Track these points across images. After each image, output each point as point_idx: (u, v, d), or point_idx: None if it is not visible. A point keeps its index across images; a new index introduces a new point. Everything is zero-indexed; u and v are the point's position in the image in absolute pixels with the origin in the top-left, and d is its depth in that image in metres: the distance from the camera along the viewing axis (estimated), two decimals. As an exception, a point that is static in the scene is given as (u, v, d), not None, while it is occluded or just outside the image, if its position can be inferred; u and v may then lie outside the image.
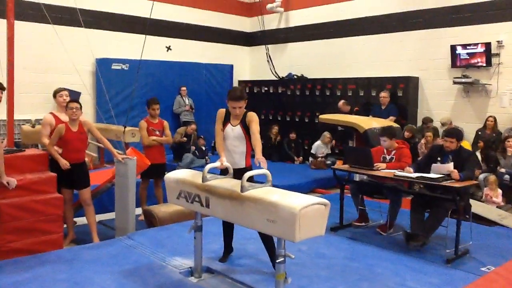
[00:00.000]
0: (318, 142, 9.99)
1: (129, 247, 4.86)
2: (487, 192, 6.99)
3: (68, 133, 5.14)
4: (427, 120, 9.07)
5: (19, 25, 6.44)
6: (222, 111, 4.37)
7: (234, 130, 4.26)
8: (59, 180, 5.06)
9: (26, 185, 4.73)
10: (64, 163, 5.09)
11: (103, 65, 9.93)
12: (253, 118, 4.23)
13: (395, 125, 8.01)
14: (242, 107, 4.22)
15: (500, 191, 6.96)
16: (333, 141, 10.11)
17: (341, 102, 9.77)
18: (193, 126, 10.16)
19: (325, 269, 4.42)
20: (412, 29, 9.85)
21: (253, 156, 4.05)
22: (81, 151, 5.32)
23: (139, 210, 6.09)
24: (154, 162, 6.15)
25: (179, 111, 11.17)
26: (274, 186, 3.69)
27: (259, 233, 4.21)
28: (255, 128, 4.17)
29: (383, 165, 5.53)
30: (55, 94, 5.65)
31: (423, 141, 8.19)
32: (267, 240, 4.22)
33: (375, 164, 5.50)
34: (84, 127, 5.27)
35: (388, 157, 5.74)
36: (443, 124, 8.87)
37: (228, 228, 4.58)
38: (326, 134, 9.93)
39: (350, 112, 9.58)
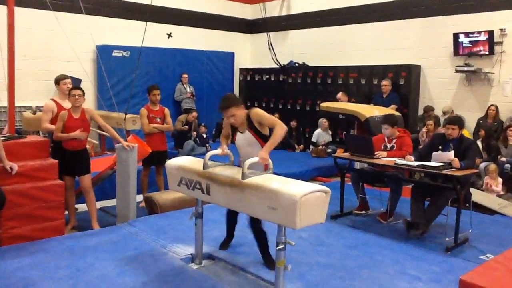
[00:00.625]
0: (318, 130, 10.00)
1: (130, 234, 4.89)
2: (487, 181, 6.99)
3: (70, 120, 5.14)
4: (429, 109, 9.05)
5: (19, 11, 6.42)
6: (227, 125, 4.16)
7: (245, 137, 4.01)
8: (60, 167, 5.07)
9: (28, 171, 4.74)
10: (80, 134, 5.14)
11: (103, 52, 9.89)
12: (259, 116, 3.90)
13: (397, 113, 8.00)
14: (236, 114, 3.91)
15: (500, 180, 6.96)
16: (338, 132, 10.07)
17: (340, 93, 9.78)
18: (194, 114, 10.16)
19: (325, 256, 4.45)
20: (415, 16, 9.78)
21: None
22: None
23: (140, 197, 6.12)
24: (156, 150, 6.16)
25: (180, 98, 11.15)
26: (275, 174, 3.70)
27: (251, 226, 4.14)
28: (269, 122, 3.87)
29: (384, 153, 5.53)
30: (58, 81, 5.63)
31: (424, 129, 8.19)
32: (256, 234, 4.15)
33: (375, 152, 5.51)
34: (86, 114, 5.27)
35: (389, 146, 5.74)
36: (444, 113, 8.86)
37: (232, 215, 4.51)
38: (323, 120, 9.96)
39: (348, 102, 9.57)
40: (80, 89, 5.27)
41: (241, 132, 4.03)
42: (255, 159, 3.63)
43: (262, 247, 4.18)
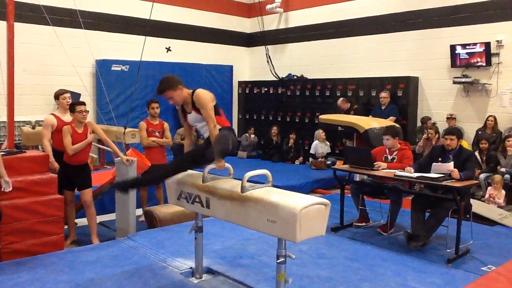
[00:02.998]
0: (315, 142, 10.03)
1: (130, 248, 4.86)
2: (491, 192, 6.94)
3: (74, 135, 5.14)
4: (426, 119, 9.07)
5: (19, 27, 6.45)
6: (178, 108, 4.07)
7: (192, 116, 3.94)
8: (60, 181, 5.07)
9: (27, 186, 4.73)
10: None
11: (103, 66, 9.95)
12: (200, 101, 3.75)
13: (396, 125, 8.01)
14: (173, 97, 3.80)
15: (503, 192, 6.89)
16: (338, 144, 10.09)
17: (340, 100, 9.80)
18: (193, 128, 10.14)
19: (326, 269, 4.42)
20: (412, 29, 9.86)
21: None
22: (86, 152, 5.34)
23: (139, 211, 6.10)
24: (155, 163, 6.15)
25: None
26: (274, 186, 3.69)
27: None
28: (206, 114, 3.74)
29: (384, 164, 5.53)
30: (57, 96, 5.63)
31: (425, 136, 8.15)
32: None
33: (375, 163, 5.51)
34: (89, 128, 5.29)
35: (390, 157, 5.74)
36: (448, 118, 8.78)
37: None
38: (319, 131, 9.99)
39: (349, 110, 9.58)
40: (85, 104, 5.29)
41: (189, 112, 3.93)
42: (259, 172, 3.62)
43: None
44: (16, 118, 5.84)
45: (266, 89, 12.41)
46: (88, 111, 5.28)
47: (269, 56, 12.46)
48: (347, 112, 9.56)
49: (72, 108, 5.26)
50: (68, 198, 5.25)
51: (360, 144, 8.17)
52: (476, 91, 8.98)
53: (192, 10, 12.08)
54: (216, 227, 5.28)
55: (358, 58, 10.81)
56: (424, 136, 8.17)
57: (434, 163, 5.15)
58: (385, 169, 5.45)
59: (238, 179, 3.70)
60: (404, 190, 5.66)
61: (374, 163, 5.52)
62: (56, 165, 5.21)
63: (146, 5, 7.51)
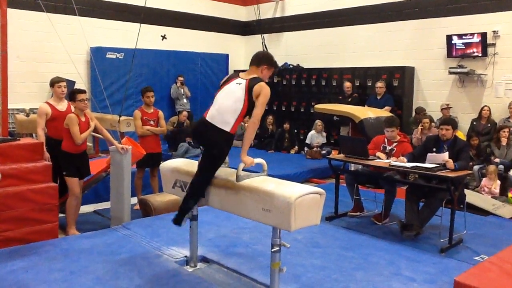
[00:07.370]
0: (312, 132, 10.03)
1: (124, 237, 4.86)
2: (486, 182, 6.93)
3: (79, 123, 5.10)
4: (420, 110, 9.08)
5: (12, 13, 6.40)
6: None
7: (233, 88, 3.65)
8: (65, 170, 5.07)
9: (21, 174, 4.72)
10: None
11: (97, 54, 9.87)
12: (261, 95, 3.54)
13: (391, 115, 8.01)
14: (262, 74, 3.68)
15: (499, 182, 6.91)
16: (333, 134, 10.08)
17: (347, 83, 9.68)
18: (185, 113, 10.07)
19: (320, 258, 4.44)
20: (408, 18, 9.83)
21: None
22: (85, 140, 5.31)
23: (134, 200, 6.10)
24: (150, 152, 6.14)
25: (176, 95, 11.07)
26: (269, 176, 3.69)
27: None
28: (257, 105, 3.53)
29: (383, 155, 5.51)
30: (53, 84, 5.50)
31: (420, 127, 8.16)
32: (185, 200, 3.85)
33: (376, 154, 5.51)
34: (88, 116, 5.26)
35: (388, 147, 5.73)
36: (445, 107, 8.78)
37: None
38: (317, 122, 9.98)
39: (350, 96, 9.52)
40: (86, 92, 5.25)
41: (242, 78, 3.66)
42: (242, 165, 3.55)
43: (181, 210, 3.90)
44: (9, 106, 5.82)
45: (261, 78, 12.35)
46: (88, 99, 5.23)
47: (265, 45, 12.41)
48: (347, 97, 9.54)
49: (73, 97, 5.15)
50: (80, 186, 5.25)
51: (355, 133, 8.18)
52: (472, 81, 8.99)
53: (188, -3, 11.99)
54: (211, 216, 5.28)
55: (354, 48, 10.78)
56: (420, 127, 8.15)
57: (429, 154, 5.16)
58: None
59: (233, 168, 3.70)
60: (399, 180, 5.68)
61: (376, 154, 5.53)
62: (47, 154, 5.17)
63: (141, -8, 7.42)
